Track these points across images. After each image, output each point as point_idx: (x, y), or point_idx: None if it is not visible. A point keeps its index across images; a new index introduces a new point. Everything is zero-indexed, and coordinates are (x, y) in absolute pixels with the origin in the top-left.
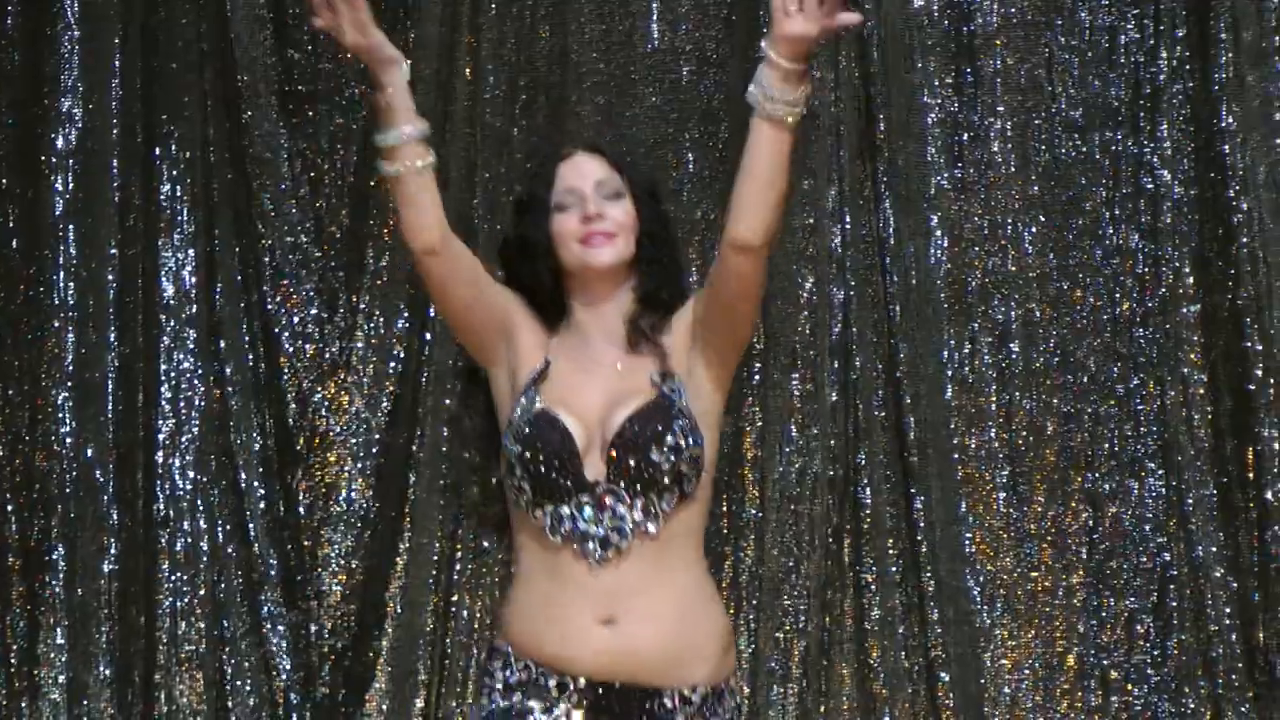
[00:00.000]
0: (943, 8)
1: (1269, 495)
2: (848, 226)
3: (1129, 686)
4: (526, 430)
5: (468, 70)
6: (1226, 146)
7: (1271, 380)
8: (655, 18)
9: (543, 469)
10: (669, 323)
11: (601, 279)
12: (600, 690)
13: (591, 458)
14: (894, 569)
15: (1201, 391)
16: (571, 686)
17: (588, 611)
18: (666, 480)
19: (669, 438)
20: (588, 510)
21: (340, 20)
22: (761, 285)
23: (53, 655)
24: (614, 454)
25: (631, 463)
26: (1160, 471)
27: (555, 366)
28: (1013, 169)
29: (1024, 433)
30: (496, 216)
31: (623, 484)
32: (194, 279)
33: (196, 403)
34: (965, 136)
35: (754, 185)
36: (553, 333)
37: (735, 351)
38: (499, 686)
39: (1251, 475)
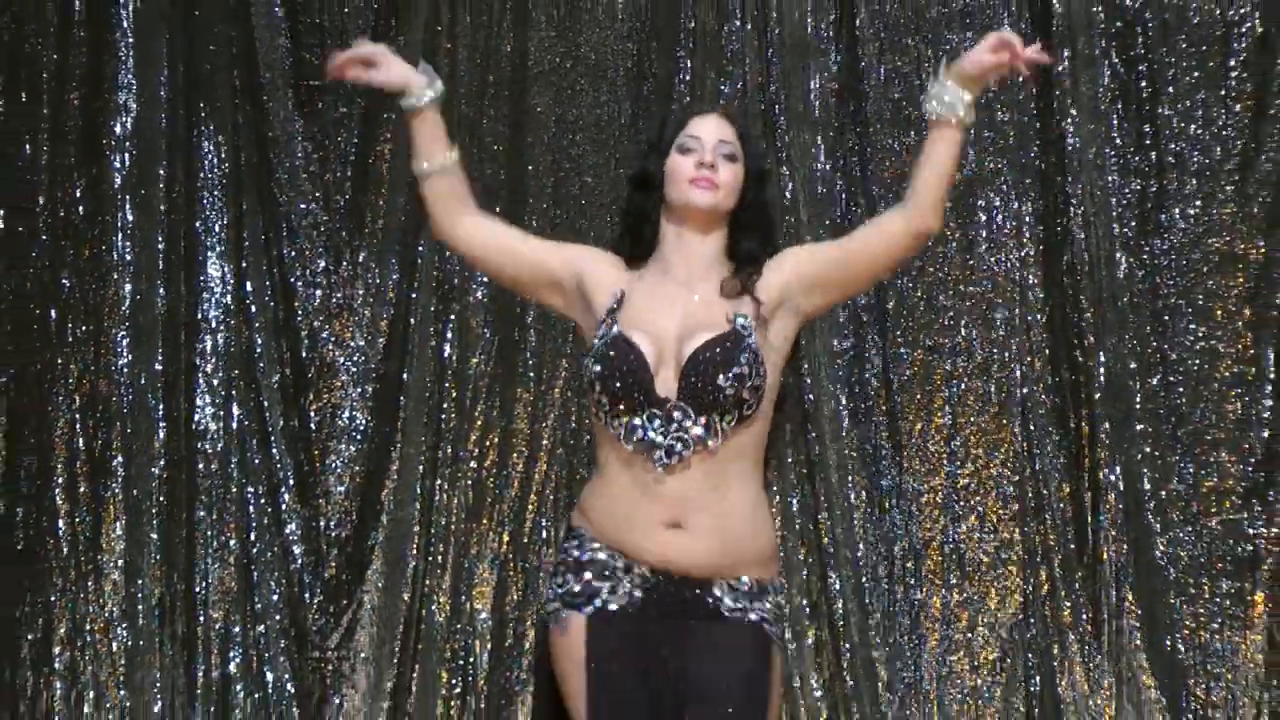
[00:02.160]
0: None
1: None
2: None
3: None
4: (606, 352)
5: (448, 67)
6: None
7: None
8: (595, 30)
9: (618, 385)
10: (760, 272)
11: (696, 220)
12: (660, 577)
13: (664, 376)
14: None
15: None
16: (636, 570)
17: (657, 515)
18: (729, 404)
19: (735, 368)
20: (657, 422)
21: (362, 74)
22: None
23: (113, 544)
24: (685, 375)
25: (699, 385)
26: None
27: (633, 297)
28: None
29: None
30: (473, 179)
31: (689, 402)
32: (226, 239)
33: (228, 339)
34: None
35: (939, 180)
36: (635, 268)
37: (828, 309)
38: (571, 561)
39: None
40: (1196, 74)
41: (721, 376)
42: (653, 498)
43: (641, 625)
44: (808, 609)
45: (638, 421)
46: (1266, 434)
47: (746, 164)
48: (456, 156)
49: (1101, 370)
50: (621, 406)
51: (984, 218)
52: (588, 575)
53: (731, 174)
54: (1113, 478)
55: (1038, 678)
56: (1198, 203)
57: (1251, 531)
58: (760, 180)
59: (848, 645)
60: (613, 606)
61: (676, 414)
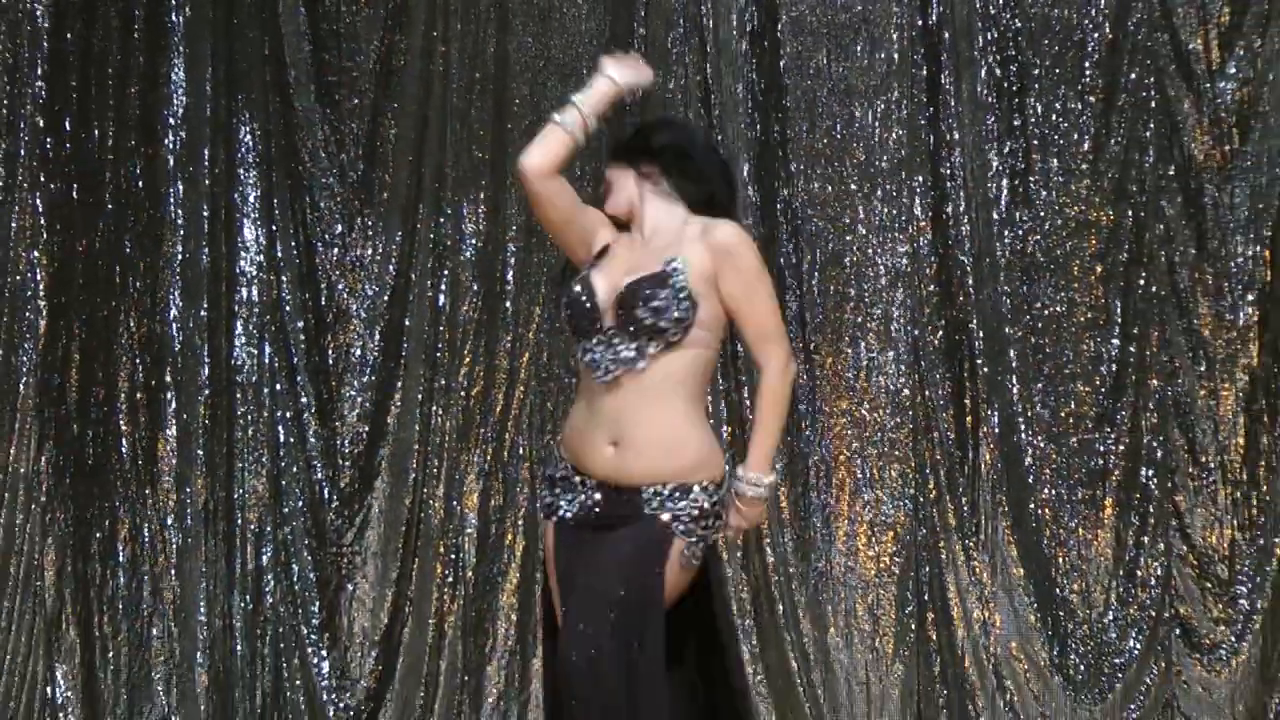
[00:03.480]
0: None
1: None
2: None
3: None
4: (574, 288)
5: (442, 66)
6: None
7: None
8: (563, 35)
9: (574, 314)
10: (708, 227)
11: (621, 213)
12: (604, 489)
13: (609, 309)
14: None
15: None
16: (588, 483)
17: (600, 434)
18: (650, 331)
19: (655, 301)
20: (599, 345)
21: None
22: None
23: (166, 459)
24: (615, 307)
25: (624, 315)
26: None
27: (615, 249)
28: None
29: None
30: (460, 162)
31: (621, 330)
32: (259, 207)
33: (260, 290)
34: None
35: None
36: (624, 233)
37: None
38: (546, 477)
39: None
40: (1057, 72)
41: (641, 308)
42: (598, 417)
43: (594, 533)
44: None
45: (588, 344)
46: (1114, 369)
47: (628, 162)
48: (590, 127)
49: (979, 316)
50: (578, 332)
51: (881, 192)
52: (556, 489)
53: (611, 203)
54: (988, 403)
55: (927, 568)
56: (1059, 179)
57: (1101, 449)
58: (677, 155)
59: (768, 540)
60: (568, 515)
61: (615, 339)
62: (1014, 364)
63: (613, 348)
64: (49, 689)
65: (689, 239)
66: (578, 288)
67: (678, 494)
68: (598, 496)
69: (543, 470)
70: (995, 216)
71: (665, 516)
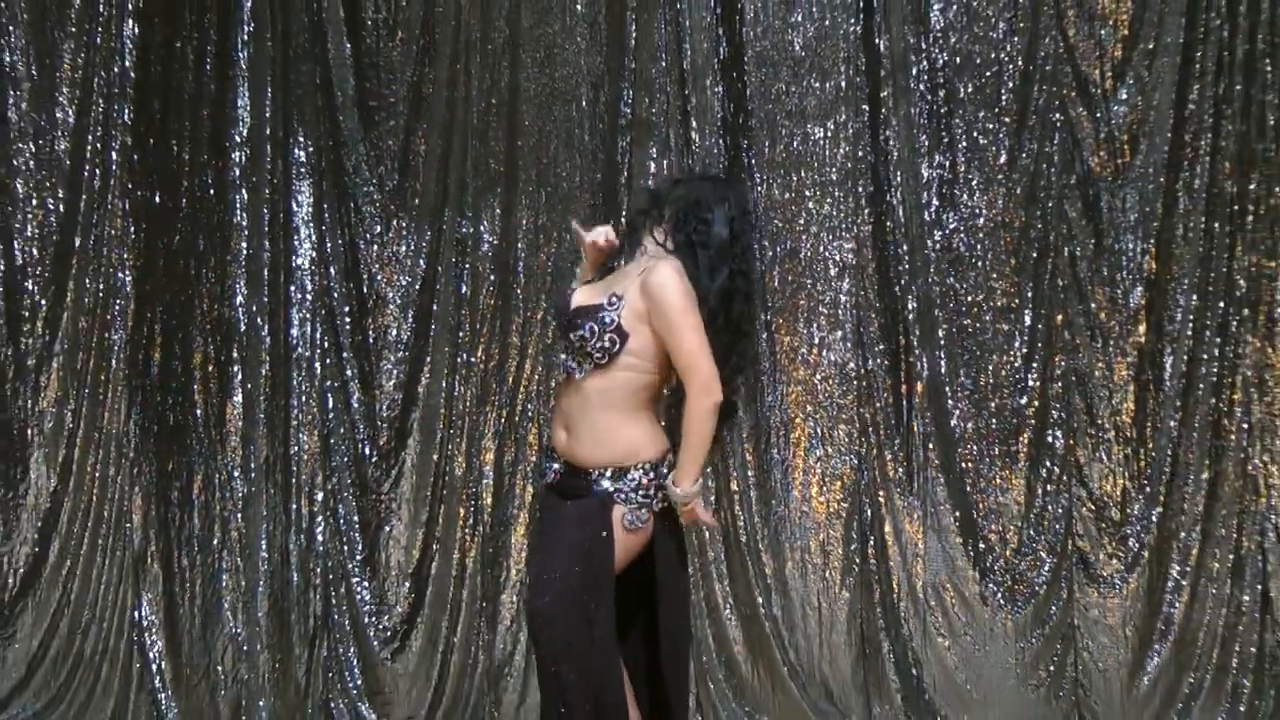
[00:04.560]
0: None
1: None
2: None
3: None
4: (559, 295)
5: (464, 93)
6: None
7: None
8: (565, 68)
9: (555, 318)
10: (649, 269)
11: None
12: (566, 463)
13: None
14: None
15: None
16: (557, 458)
17: (559, 419)
18: (578, 354)
19: (578, 331)
20: (563, 351)
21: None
22: None
23: (233, 421)
24: (566, 325)
25: (564, 333)
26: None
27: (605, 275)
28: None
29: None
30: (480, 174)
31: (566, 345)
32: (311, 211)
33: (313, 280)
34: None
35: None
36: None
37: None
38: (544, 449)
39: None
40: (978, 98)
41: (574, 333)
42: (559, 406)
43: (557, 498)
44: (711, 467)
45: (561, 344)
46: (1026, 345)
47: (628, 226)
48: None
49: (913, 299)
50: (555, 333)
51: (830, 198)
52: (546, 457)
53: (604, 241)
54: (920, 374)
55: (869, 512)
56: (979, 187)
57: (1015, 412)
58: (677, 219)
59: (736, 490)
60: (550, 479)
61: (566, 349)
62: (941, 341)
63: (570, 354)
64: (136, 613)
65: (634, 277)
66: (559, 297)
67: (618, 474)
68: (559, 469)
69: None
70: (926, 218)
71: (610, 488)
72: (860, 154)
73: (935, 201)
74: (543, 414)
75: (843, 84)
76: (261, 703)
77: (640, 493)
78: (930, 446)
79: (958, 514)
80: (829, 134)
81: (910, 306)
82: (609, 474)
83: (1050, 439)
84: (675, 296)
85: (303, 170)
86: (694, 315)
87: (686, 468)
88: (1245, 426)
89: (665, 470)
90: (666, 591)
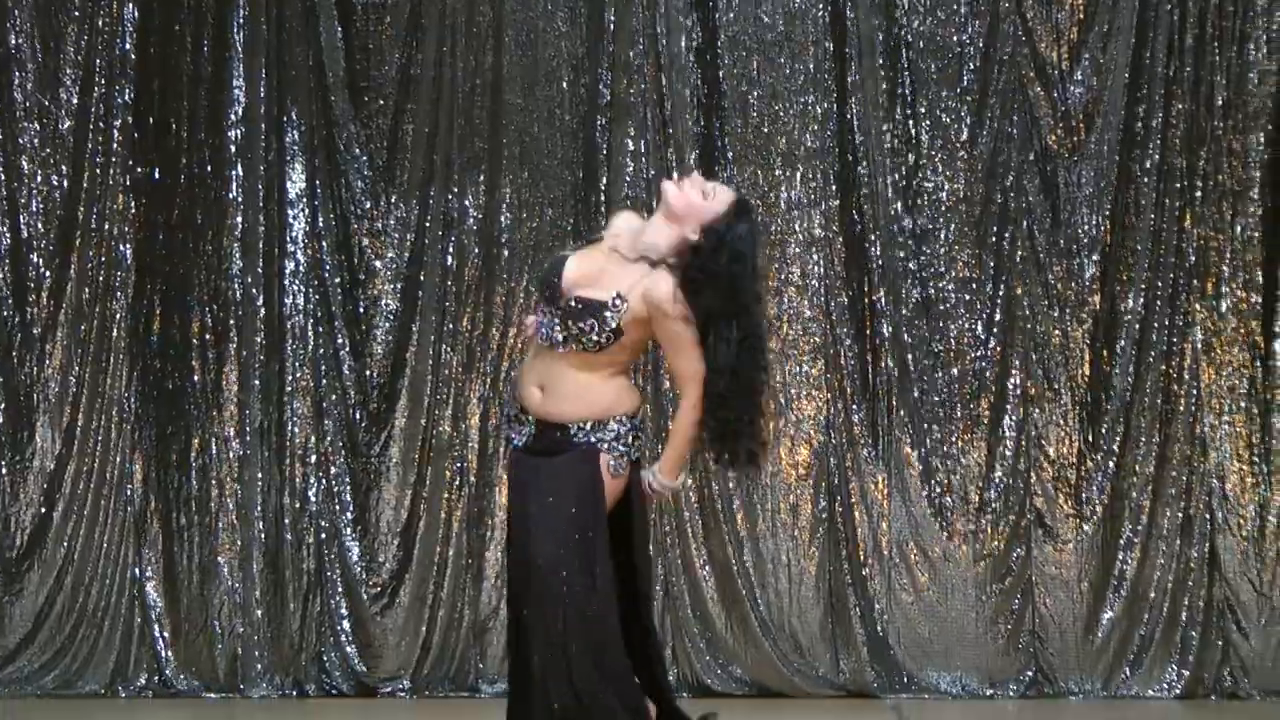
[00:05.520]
0: None
1: None
2: None
3: None
4: (551, 262)
5: (450, 75)
6: None
7: None
8: (548, 49)
9: (542, 283)
10: (651, 284)
11: (667, 215)
12: (539, 423)
13: (564, 294)
14: None
15: None
16: (527, 418)
17: (532, 379)
18: (571, 339)
19: (580, 324)
20: (547, 316)
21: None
22: None
23: (229, 388)
24: (564, 306)
25: (565, 315)
26: None
27: (605, 243)
28: None
29: None
30: (465, 152)
31: (561, 320)
32: (304, 187)
33: (306, 252)
34: None
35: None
36: (628, 231)
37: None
38: (505, 415)
39: None
40: (940, 79)
41: (575, 322)
42: (533, 365)
43: (533, 458)
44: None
45: (543, 309)
46: (986, 314)
47: (703, 238)
48: None
49: (878, 273)
50: (539, 296)
51: (800, 175)
52: (510, 425)
53: (692, 200)
54: (886, 343)
55: (836, 474)
56: (942, 163)
57: (976, 378)
58: (708, 251)
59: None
60: (518, 443)
61: (556, 320)
62: (905, 312)
63: (553, 324)
64: (137, 570)
65: (636, 285)
66: (552, 262)
67: (598, 426)
68: (534, 430)
69: (501, 410)
70: (891, 194)
71: (590, 439)
72: (829, 133)
73: (900, 178)
74: None
75: (811, 66)
76: (257, 655)
77: (621, 442)
78: (895, 411)
79: (921, 475)
80: (799, 114)
81: (876, 278)
82: (589, 425)
83: (1010, 403)
84: (679, 313)
85: (296, 148)
86: (692, 329)
87: (671, 463)
88: (1194, 392)
89: (639, 423)
90: (641, 536)
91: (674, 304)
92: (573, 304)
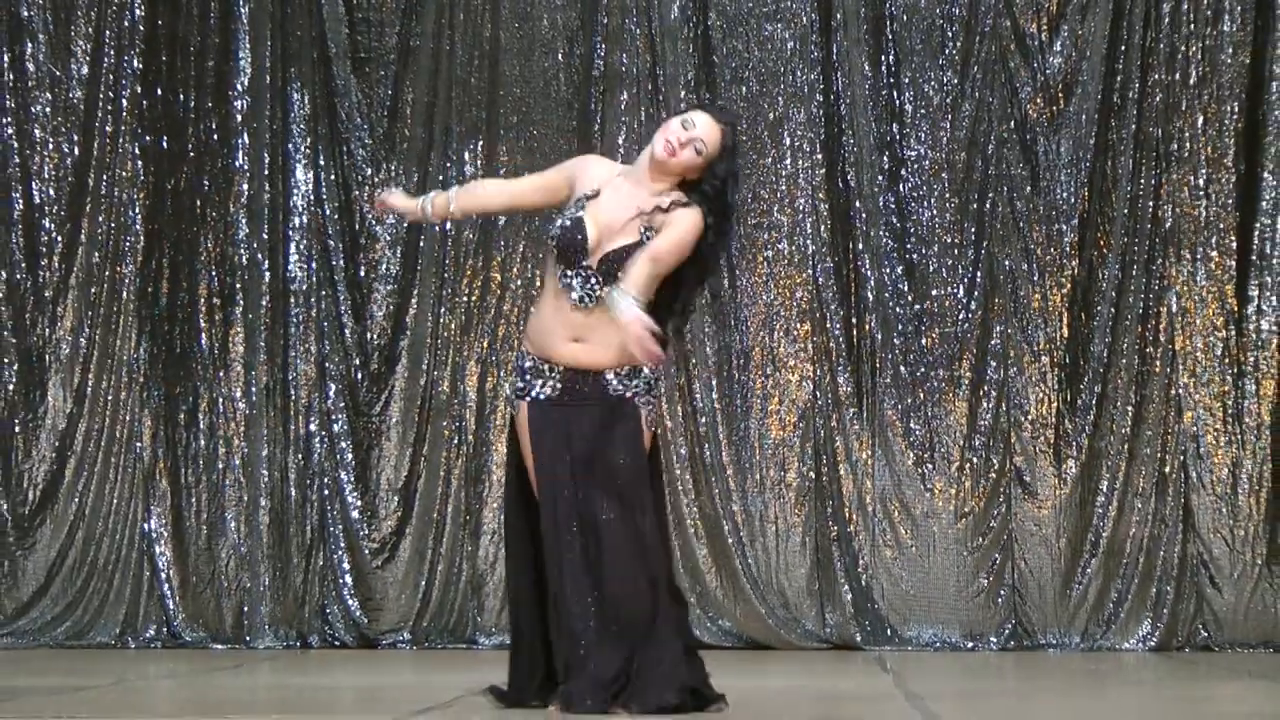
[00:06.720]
0: None
1: None
2: None
3: None
4: (566, 224)
5: (448, 46)
6: None
7: None
8: (543, 23)
9: (564, 247)
10: (676, 215)
11: (660, 170)
12: (569, 373)
13: (595, 252)
14: None
15: None
16: (554, 369)
17: (564, 333)
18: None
19: (624, 273)
20: (579, 279)
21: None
22: None
23: (235, 349)
24: (602, 261)
25: (606, 270)
26: None
27: (604, 192)
28: None
29: None
30: (463, 120)
31: (603, 275)
32: (307, 154)
33: (309, 218)
34: None
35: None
36: (621, 172)
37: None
38: (517, 367)
39: None
40: (924, 50)
41: (619, 271)
42: (566, 322)
43: (560, 409)
44: (677, 391)
45: (570, 272)
46: (969, 278)
47: (712, 163)
48: (447, 198)
49: (863, 242)
50: (563, 263)
51: (788, 145)
52: (527, 376)
53: (687, 161)
54: (870, 306)
55: (822, 433)
56: (925, 132)
57: (958, 340)
58: (722, 179)
59: (704, 419)
60: (541, 396)
61: (593, 279)
62: (889, 277)
63: (589, 284)
64: (146, 525)
65: (662, 219)
66: (570, 224)
67: (631, 373)
68: (558, 382)
69: (514, 363)
70: (876, 162)
71: (628, 394)
72: (815, 103)
73: (885, 146)
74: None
75: (799, 38)
76: (262, 608)
77: (653, 392)
78: (880, 373)
79: (905, 434)
80: (786, 84)
81: (862, 245)
82: (625, 373)
83: (991, 365)
84: (689, 233)
85: (300, 117)
86: (677, 258)
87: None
88: (1170, 354)
89: (660, 373)
90: (660, 495)
91: (688, 221)
92: (609, 259)
